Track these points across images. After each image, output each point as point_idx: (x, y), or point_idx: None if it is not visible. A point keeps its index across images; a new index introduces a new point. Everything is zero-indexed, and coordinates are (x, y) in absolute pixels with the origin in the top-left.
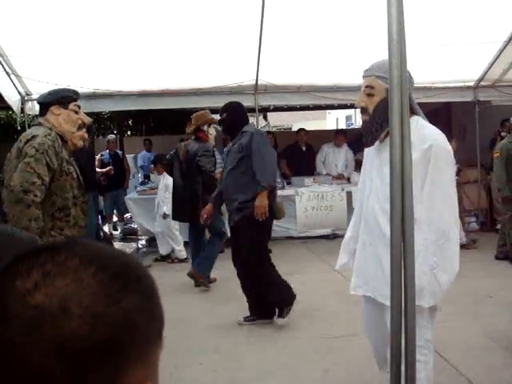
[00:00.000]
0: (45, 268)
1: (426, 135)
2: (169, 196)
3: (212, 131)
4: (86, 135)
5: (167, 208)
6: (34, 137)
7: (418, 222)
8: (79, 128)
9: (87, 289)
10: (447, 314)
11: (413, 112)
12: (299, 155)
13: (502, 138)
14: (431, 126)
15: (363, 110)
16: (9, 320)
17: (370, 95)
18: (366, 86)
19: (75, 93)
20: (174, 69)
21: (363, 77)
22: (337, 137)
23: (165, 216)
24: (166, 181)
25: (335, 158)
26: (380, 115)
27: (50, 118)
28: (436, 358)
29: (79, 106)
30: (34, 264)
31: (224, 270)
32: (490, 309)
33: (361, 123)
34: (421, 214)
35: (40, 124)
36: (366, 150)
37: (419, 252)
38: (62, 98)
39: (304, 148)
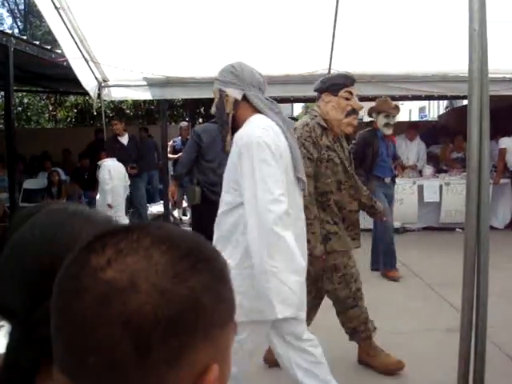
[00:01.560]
0: (118, 246)
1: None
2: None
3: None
4: (356, 122)
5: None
6: (294, 129)
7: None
8: (348, 114)
9: (156, 266)
10: None
11: (258, 111)
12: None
13: None
14: (256, 124)
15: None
16: (81, 293)
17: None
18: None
19: (347, 78)
20: (247, 55)
21: None
22: (409, 131)
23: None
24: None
25: (407, 150)
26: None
27: (321, 105)
28: (505, 361)
29: (351, 93)
30: (108, 242)
31: None
32: None
33: (436, 115)
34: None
35: (308, 112)
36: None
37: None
38: (331, 86)
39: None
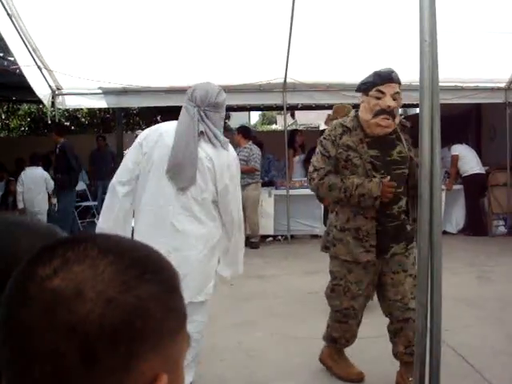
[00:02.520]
0: (65, 256)
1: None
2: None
3: None
4: (385, 122)
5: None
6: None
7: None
8: (376, 115)
9: (102, 275)
10: (472, 318)
11: None
12: None
13: None
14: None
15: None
16: (27, 303)
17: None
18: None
19: (379, 76)
20: (203, 65)
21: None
22: None
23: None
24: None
25: None
26: None
27: (360, 106)
28: (461, 363)
29: (382, 91)
30: (55, 252)
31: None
32: None
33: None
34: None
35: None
36: None
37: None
38: (362, 85)
39: None
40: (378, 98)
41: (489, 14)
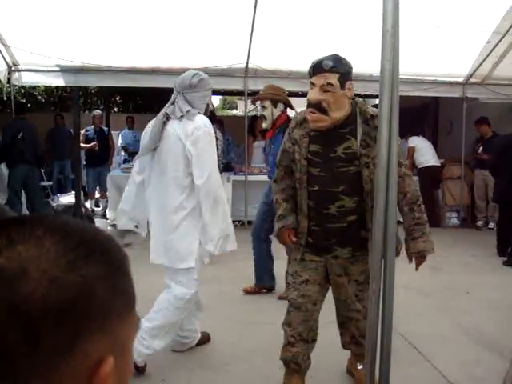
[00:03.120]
0: (10, 235)
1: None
2: None
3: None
4: (310, 116)
5: None
6: None
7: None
8: (307, 108)
9: (47, 254)
10: (423, 307)
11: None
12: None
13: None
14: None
15: None
16: None
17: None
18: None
19: (311, 66)
20: (165, 47)
21: None
22: None
23: None
24: None
25: None
26: None
27: None
28: (410, 350)
29: (312, 83)
30: (0, 232)
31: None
32: (465, 304)
33: None
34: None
35: None
36: None
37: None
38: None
39: None
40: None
41: (450, 9)
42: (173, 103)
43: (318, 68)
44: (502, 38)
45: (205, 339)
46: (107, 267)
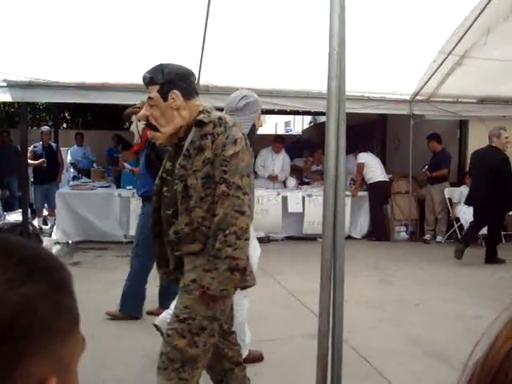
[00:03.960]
0: None
1: None
2: None
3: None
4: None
5: None
6: None
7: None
8: None
9: None
10: (374, 320)
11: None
12: None
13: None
14: None
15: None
16: None
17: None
18: None
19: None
20: (115, 62)
21: None
22: (275, 144)
23: None
24: None
25: (273, 163)
26: None
27: None
28: (361, 363)
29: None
30: None
31: None
32: (415, 316)
33: (300, 130)
34: None
35: None
36: None
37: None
38: None
39: None
40: None
41: (397, 29)
42: None
43: (144, 82)
44: (446, 58)
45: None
46: (49, 285)
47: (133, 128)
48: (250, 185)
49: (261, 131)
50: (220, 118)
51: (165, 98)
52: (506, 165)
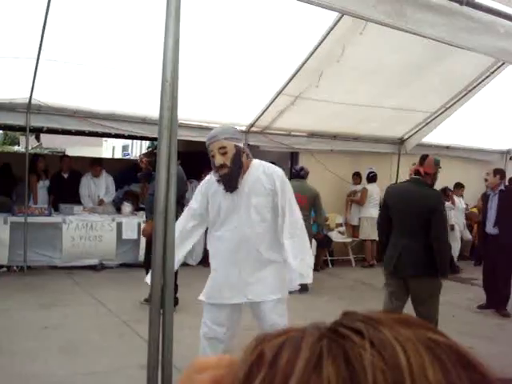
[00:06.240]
0: None
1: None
2: None
3: None
4: None
5: None
6: None
7: None
8: None
9: None
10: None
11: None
12: (62, 182)
13: None
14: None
15: (223, 166)
16: None
17: (224, 154)
18: (220, 148)
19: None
20: None
21: (211, 143)
22: (93, 167)
23: None
24: None
25: (96, 189)
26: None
27: None
28: None
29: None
30: None
31: None
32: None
33: (138, 154)
34: None
35: None
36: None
37: None
38: None
39: (66, 175)
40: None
41: (240, 67)
42: None
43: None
44: (277, 96)
45: None
46: None
47: None
48: None
49: (97, 154)
50: None
51: None
52: None
